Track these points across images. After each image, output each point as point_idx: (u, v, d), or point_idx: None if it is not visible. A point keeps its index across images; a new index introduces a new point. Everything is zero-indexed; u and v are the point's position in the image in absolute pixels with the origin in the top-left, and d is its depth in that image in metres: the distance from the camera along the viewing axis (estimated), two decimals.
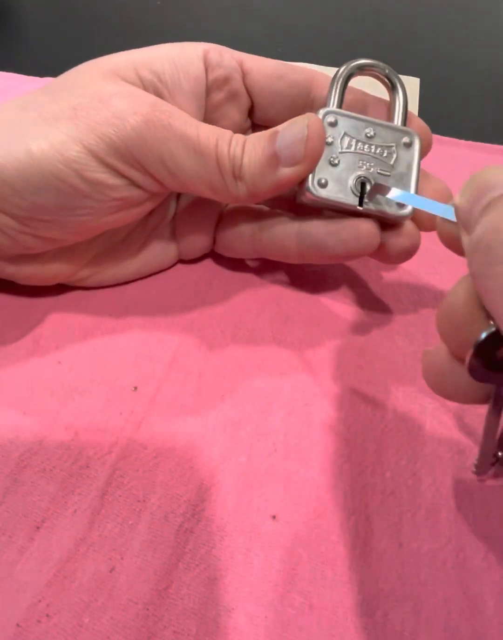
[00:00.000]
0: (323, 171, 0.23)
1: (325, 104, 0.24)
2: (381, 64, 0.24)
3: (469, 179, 0.16)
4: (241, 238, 0.26)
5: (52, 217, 0.21)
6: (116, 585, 0.18)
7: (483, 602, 0.18)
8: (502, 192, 0.15)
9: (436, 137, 0.40)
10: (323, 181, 0.22)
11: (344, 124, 0.23)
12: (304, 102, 0.24)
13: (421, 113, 0.44)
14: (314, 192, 0.22)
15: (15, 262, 0.23)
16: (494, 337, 0.15)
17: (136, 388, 0.23)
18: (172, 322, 0.26)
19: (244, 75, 0.24)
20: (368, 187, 0.23)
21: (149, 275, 0.28)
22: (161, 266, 0.28)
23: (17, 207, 0.20)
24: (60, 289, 0.26)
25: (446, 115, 0.45)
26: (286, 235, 0.25)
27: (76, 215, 0.21)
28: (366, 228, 0.23)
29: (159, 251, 0.27)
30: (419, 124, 0.25)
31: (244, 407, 0.23)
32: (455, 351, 0.17)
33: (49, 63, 0.49)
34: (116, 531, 0.19)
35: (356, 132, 0.23)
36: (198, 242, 0.27)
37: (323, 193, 0.23)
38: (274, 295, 0.27)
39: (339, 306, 0.27)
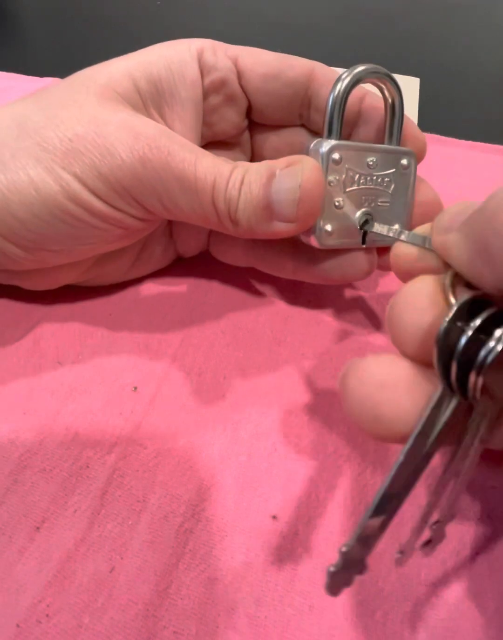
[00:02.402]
0: (328, 217, 0.22)
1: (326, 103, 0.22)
2: (381, 71, 0.22)
3: (448, 209, 0.17)
4: (235, 247, 0.26)
5: (59, 248, 0.21)
6: (116, 585, 0.18)
7: (483, 602, 0.18)
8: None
9: (436, 137, 0.40)
10: (328, 228, 0.22)
11: (348, 157, 0.22)
12: (302, 101, 0.24)
13: (421, 113, 0.44)
14: (320, 241, 0.22)
15: (19, 274, 0.24)
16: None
17: (136, 388, 0.23)
18: (172, 321, 0.26)
19: (239, 75, 0.24)
20: (370, 224, 0.22)
21: (149, 274, 0.28)
22: (161, 264, 0.28)
23: (24, 239, 0.21)
24: (60, 289, 0.26)
25: (446, 115, 0.45)
26: (281, 251, 0.25)
27: (82, 245, 0.22)
28: (365, 258, 0.23)
29: (159, 250, 0.27)
30: (414, 132, 0.24)
31: (244, 407, 0.23)
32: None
33: (49, 63, 0.49)
34: (115, 531, 0.19)
35: (359, 164, 0.22)
36: (195, 240, 0.27)
37: (329, 242, 0.22)
38: (274, 295, 0.27)
39: (339, 306, 0.27)
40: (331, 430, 0.22)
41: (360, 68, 0.22)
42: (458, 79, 0.51)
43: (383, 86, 0.22)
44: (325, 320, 0.26)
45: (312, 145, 0.22)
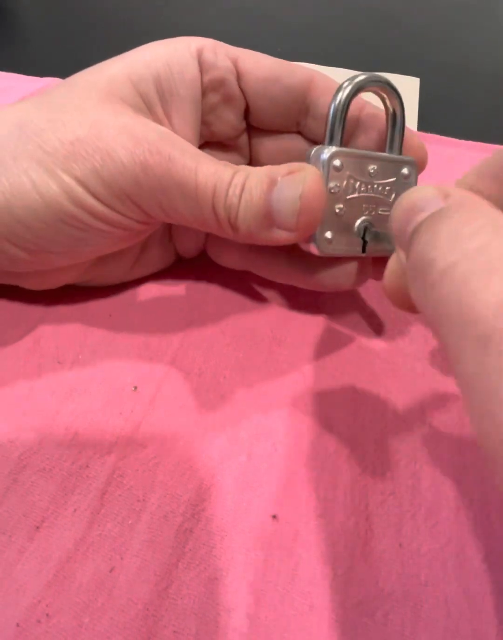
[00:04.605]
0: (328, 225, 0.22)
1: (325, 105, 0.23)
2: (383, 80, 0.22)
3: (398, 201, 0.17)
4: (231, 250, 0.26)
5: (61, 250, 0.21)
6: (115, 585, 0.18)
7: (483, 602, 0.18)
8: (427, 214, 0.15)
9: (436, 137, 0.40)
10: (329, 236, 0.22)
11: (349, 165, 0.22)
12: (300, 108, 0.24)
13: (421, 113, 0.44)
14: (320, 249, 0.22)
15: (19, 274, 0.24)
16: None
17: (136, 388, 0.23)
18: (172, 321, 0.26)
19: (238, 76, 0.24)
20: (370, 232, 0.22)
21: (150, 274, 0.28)
22: (161, 265, 0.28)
23: (27, 241, 0.21)
24: (60, 289, 0.26)
25: (446, 115, 0.45)
26: (277, 256, 0.25)
27: (84, 247, 0.22)
28: (360, 268, 0.24)
29: (159, 251, 0.27)
30: (416, 143, 0.24)
31: (244, 407, 0.23)
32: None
33: (49, 63, 0.49)
34: (115, 531, 0.19)
35: (360, 172, 0.22)
36: (194, 242, 0.27)
37: (329, 249, 0.22)
38: (274, 295, 0.27)
39: (339, 306, 0.27)
40: (331, 430, 0.22)
41: (362, 76, 0.21)
42: (458, 79, 0.51)
43: (384, 95, 0.22)
44: (324, 321, 0.26)
45: (313, 152, 0.22)
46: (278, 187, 0.20)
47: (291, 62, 0.24)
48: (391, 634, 0.17)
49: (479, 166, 0.20)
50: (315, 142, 0.25)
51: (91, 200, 0.20)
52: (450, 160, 0.38)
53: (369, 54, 0.54)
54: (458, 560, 0.19)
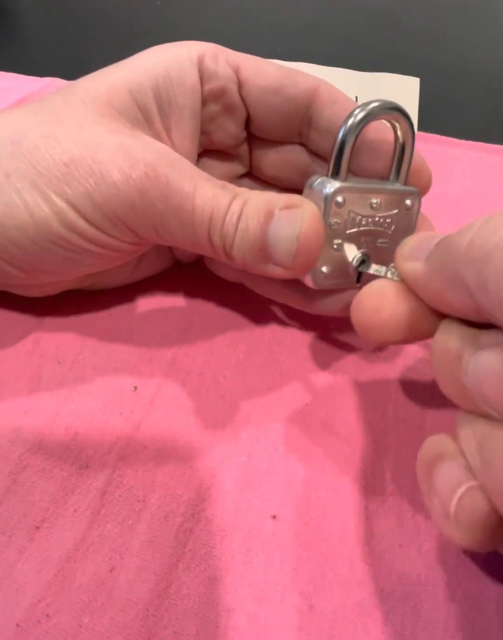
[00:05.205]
0: (324, 259, 0.21)
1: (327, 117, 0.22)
2: (396, 107, 0.20)
3: (412, 236, 0.18)
4: (227, 265, 0.26)
5: (55, 269, 0.21)
6: (116, 585, 0.18)
7: (483, 602, 0.18)
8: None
9: (436, 137, 0.41)
10: (325, 270, 0.21)
11: (351, 200, 0.21)
12: (302, 119, 0.23)
13: (421, 113, 0.44)
14: (315, 283, 0.21)
15: (16, 285, 0.24)
16: None
17: (136, 388, 0.23)
18: (172, 322, 0.26)
19: (240, 85, 0.23)
20: (367, 265, 0.21)
21: (149, 278, 0.28)
22: (160, 268, 0.28)
23: (21, 260, 0.21)
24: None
25: (446, 115, 0.45)
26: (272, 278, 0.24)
27: (77, 266, 0.22)
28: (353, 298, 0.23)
29: (157, 257, 0.27)
30: (421, 166, 0.23)
31: (244, 407, 0.23)
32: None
33: (49, 63, 0.49)
34: (115, 531, 0.19)
35: (361, 206, 0.21)
36: (191, 252, 0.27)
37: (324, 283, 0.22)
38: None
39: None
40: (331, 430, 0.22)
41: (374, 104, 0.20)
42: (458, 79, 0.51)
43: (396, 124, 0.21)
44: (325, 321, 0.26)
45: (315, 183, 0.21)
46: (275, 222, 0.19)
47: (295, 70, 0.23)
48: (391, 634, 0.17)
49: None
50: (316, 154, 0.24)
51: (82, 223, 0.20)
52: (450, 160, 0.38)
53: (369, 54, 0.54)
54: (458, 560, 0.19)
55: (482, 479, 0.15)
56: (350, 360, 0.25)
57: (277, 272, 0.20)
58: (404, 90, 0.45)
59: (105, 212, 0.20)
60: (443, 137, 0.40)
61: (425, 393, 0.24)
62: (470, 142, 0.41)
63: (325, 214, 0.20)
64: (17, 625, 0.17)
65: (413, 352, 0.25)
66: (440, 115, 0.45)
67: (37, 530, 0.19)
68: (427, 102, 0.46)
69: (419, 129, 0.42)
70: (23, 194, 0.19)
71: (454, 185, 0.36)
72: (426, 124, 0.42)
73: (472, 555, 0.19)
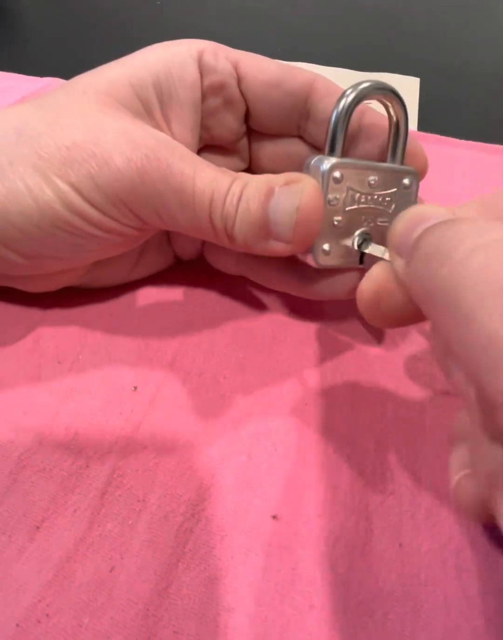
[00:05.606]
0: (326, 237, 0.21)
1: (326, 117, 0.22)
2: (387, 87, 0.21)
3: (402, 214, 0.17)
4: (227, 256, 0.26)
5: (58, 255, 0.21)
6: (116, 585, 0.18)
7: (483, 602, 0.18)
8: (435, 222, 0.15)
9: (436, 137, 0.41)
10: (326, 248, 0.22)
11: (349, 176, 0.21)
12: (300, 112, 0.24)
13: (421, 113, 0.44)
14: (317, 261, 0.22)
15: (17, 278, 0.24)
16: None
17: (135, 388, 0.23)
18: (171, 322, 0.26)
19: (239, 80, 0.23)
20: (368, 244, 0.22)
21: (150, 276, 0.28)
22: (160, 267, 0.28)
23: (23, 246, 0.21)
24: (60, 289, 0.26)
25: (446, 115, 0.45)
26: (273, 264, 0.24)
27: (80, 252, 0.22)
28: (357, 278, 0.23)
29: (158, 254, 0.27)
30: (416, 150, 0.24)
31: (244, 407, 0.23)
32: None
33: (49, 63, 0.49)
34: (115, 531, 0.19)
35: (360, 183, 0.22)
36: (192, 246, 0.27)
37: (326, 261, 0.22)
38: (274, 295, 0.27)
39: (339, 306, 0.27)
40: (331, 430, 0.22)
41: (365, 84, 0.21)
42: (458, 79, 0.51)
43: (388, 103, 0.22)
44: (325, 321, 0.26)
45: (313, 162, 0.21)
46: (275, 197, 0.20)
47: (292, 66, 0.24)
48: (391, 634, 0.17)
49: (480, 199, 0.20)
50: (315, 146, 0.25)
51: (85, 207, 0.20)
52: (450, 160, 0.38)
53: (369, 54, 0.54)
54: (458, 560, 0.19)
55: (472, 472, 0.17)
56: (350, 360, 0.25)
57: (278, 248, 0.20)
58: (404, 90, 0.45)
59: (108, 195, 0.20)
60: (443, 137, 0.41)
61: (425, 393, 0.24)
62: (470, 142, 0.41)
63: (324, 189, 0.21)
64: (17, 625, 0.17)
65: (413, 351, 0.25)
66: (440, 115, 0.45)
67: (37, 530, 0.19)
68: (427, 102, 0.46)
69: (419, 129, 0.42)
70: (26, 178, 0.19)
71: (454, 185, 0.36)
72: (426, 124, 0.42)
73: (472, 555, 0.19)
